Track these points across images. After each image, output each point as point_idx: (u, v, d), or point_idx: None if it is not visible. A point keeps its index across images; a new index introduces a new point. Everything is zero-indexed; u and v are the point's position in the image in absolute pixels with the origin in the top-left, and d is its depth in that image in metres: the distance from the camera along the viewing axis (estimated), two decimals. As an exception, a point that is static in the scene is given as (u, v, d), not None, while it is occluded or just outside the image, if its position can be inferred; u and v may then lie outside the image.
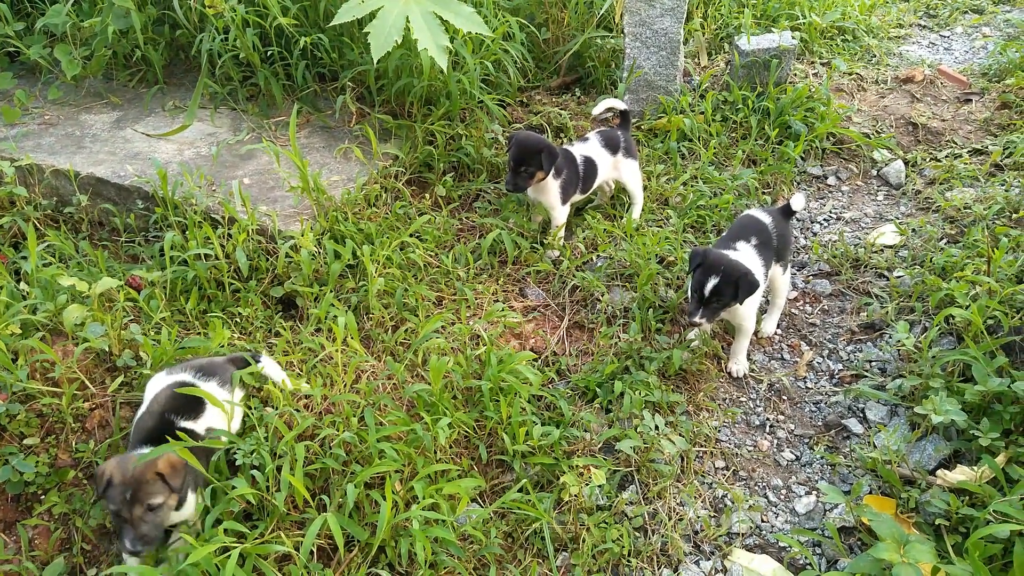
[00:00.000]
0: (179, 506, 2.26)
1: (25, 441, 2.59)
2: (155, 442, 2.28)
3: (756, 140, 4.43)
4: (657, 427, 2.82)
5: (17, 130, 4.18)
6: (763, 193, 4.14)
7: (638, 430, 2.81)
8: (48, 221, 3.72)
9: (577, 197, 3.78)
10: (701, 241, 3.79)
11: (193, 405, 2.44)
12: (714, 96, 4.59)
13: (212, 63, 4.40)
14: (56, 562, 2.31)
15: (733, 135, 4.52)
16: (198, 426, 2.44)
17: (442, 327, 3.26)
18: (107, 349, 2.74)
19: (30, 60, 4.60)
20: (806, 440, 2.98)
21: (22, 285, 3.06)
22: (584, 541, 2.53)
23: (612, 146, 3.83)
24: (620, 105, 3.95)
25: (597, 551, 2.54)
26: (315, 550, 2.46)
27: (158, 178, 3.45)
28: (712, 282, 2.82)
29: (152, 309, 3.00)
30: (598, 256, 3.70)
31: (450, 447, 2.78)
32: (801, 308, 3.55)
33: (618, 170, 3.89)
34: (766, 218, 3.21)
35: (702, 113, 4.53)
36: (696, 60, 5.26)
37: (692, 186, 4.06)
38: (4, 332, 2.67)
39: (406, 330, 3.20)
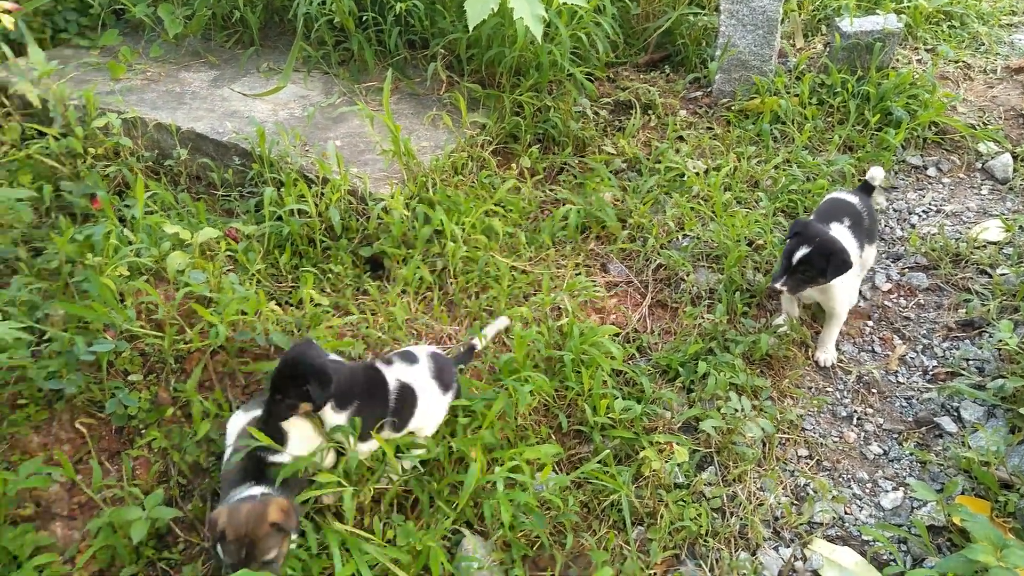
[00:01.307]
0: None
1: (129, 378, 2.72)
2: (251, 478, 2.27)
3: (854, 126, 4.28)
4: (742, 410, 2.78)
5: (122, 85, 4.33)
6: (860, 180, 4.00)
7: (721, 411, 2.78)
8: (149, 172, 3.86)
9: (388, 434, 2.52)
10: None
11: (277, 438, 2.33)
12: (811, 78, 4.44)
13: (307, 27, 4.47)
14: (156, 492, 2.42)
15: (829, 120, 4.37)
16: (284, 457, 2.34)
17: (524, 297, 3.27)
18: (207, 295, 2.84)
19: (135, 18, 4.76)
20: (895, 435, 2.90)
21: (125, 231, 3.19)
22: (662, 517, 2.52)
23: (444, 382, 2.60)
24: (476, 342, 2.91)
25: (674, 528, 2.53)
26: (395, 503, 2.53)
27: (255, 136, 3.54)
28: (803, 251, 2.75)
29: (249, 261, 3.10)
30: (684, 235, 3.65)
31: (529, 415, 2.80)
32: (895, 301, 3.43)
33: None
34: (853, 198, 3.14)
35: (797, 96, 4.39)
36: (791, 41, 5.10)
37: (784, 170, 3.95)
38: (113, 274, 2.79)
39: (488, 297, 3.22)
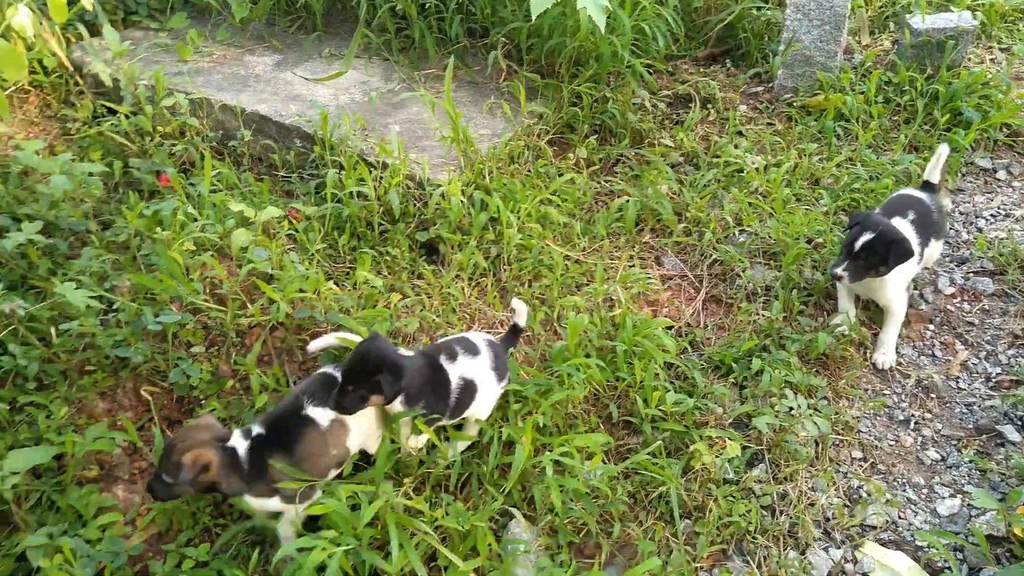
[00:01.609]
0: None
1: (192, 349, 2.80)
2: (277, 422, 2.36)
3: (921, 125, 4.16)
4: (798, 407, 2.74)
5: (189, 66, 4.44)
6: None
7: (775, 409, 2.74)
8: (213, 153, 3.95)
9: (444, 422, 2.56)
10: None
11: (328, 391, 2.36)
12: (878, 76, 4.33)
13: (369, 13, 4.52)
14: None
15: (895, 118, 4.26)
16: (323, 416, 2.36)
17: (577, 287, 3.28)
18: (269, 272, 2.90)
19: (202, 2, 4.88)
20: (954, 442, 2.82)
21: (190, 208, 3.28)
22: (710, 511, 2.50)
23: (500, 372, 2.63)
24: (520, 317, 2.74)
25: (722, 523, 2.51)
26: (444, 486, 2.57)
27: (317, 119, 3.61)
28: (865, 238, 2.75)
29: (309, 241, 3.16)
30: (741, 230, 3.60)
31: (579, 403, 2.80)
32: (958, 305, 3.34)
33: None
34: (921, 195, 3.13)
35: (863, 93, 4.29)
36: (857, 37, 4.98)
37: (847, 168, 3.87)
38: (180, 248, 2.88)
39: (541, 285, 3.23)
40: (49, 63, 4.15)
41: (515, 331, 2.81)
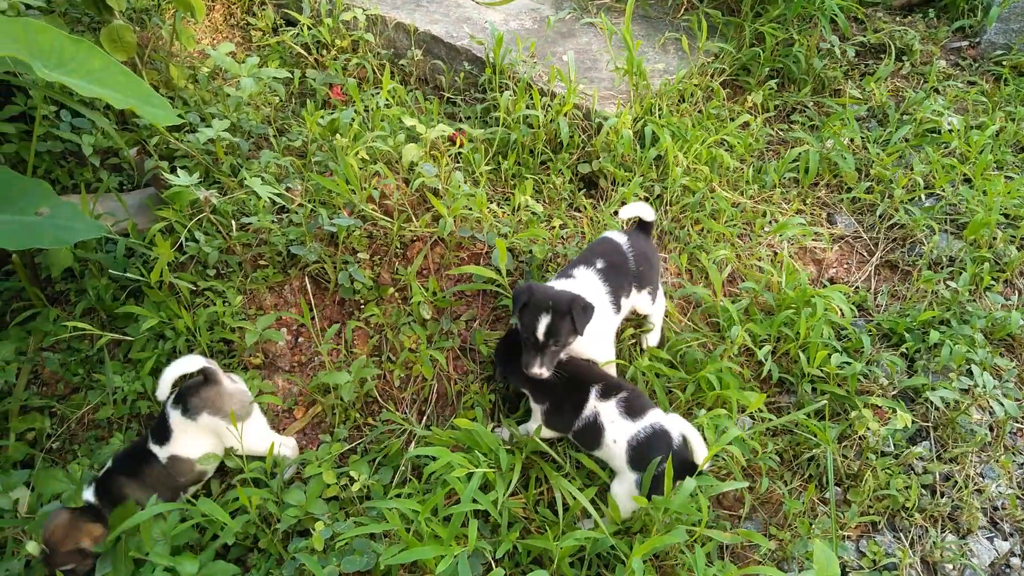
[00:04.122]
0: None
1: (357, 255, 2.90)
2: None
3: None
4: (983, 386, 2.53)
5: (367, -17, 4.51)
6: None
7: (954, 385, 2.54)
8: (383, 70, 4.02)
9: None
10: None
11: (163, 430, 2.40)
12: (1113, 36, 3.82)
13: (546, -62, 4.41)
14: (361, 358, 2.63)
15: None
16: (162, 452, 2.39)
17: (740, 236, 3.14)
18: (437, 188, 2.95)
19: (381, -80, 4.91)
20: None
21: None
22: (866, 481, 2.37)
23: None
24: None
25: (876, 495, 2.38)
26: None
27: (488, 42, 3.58)
28: None
29: (475, 162, 3.18)
30: (929, 194, 3.31)
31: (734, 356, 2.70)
32: None
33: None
34: None
35: (1091, 55, 3.80)
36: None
37: (1061, 137, 3.46)
38: (356, 156, 2.96)
39: (703, 229, 3.12)
40: (237, -28, 4.33)
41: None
